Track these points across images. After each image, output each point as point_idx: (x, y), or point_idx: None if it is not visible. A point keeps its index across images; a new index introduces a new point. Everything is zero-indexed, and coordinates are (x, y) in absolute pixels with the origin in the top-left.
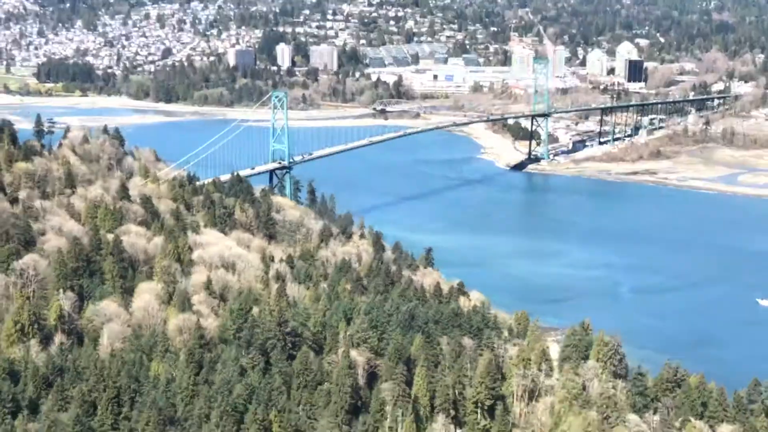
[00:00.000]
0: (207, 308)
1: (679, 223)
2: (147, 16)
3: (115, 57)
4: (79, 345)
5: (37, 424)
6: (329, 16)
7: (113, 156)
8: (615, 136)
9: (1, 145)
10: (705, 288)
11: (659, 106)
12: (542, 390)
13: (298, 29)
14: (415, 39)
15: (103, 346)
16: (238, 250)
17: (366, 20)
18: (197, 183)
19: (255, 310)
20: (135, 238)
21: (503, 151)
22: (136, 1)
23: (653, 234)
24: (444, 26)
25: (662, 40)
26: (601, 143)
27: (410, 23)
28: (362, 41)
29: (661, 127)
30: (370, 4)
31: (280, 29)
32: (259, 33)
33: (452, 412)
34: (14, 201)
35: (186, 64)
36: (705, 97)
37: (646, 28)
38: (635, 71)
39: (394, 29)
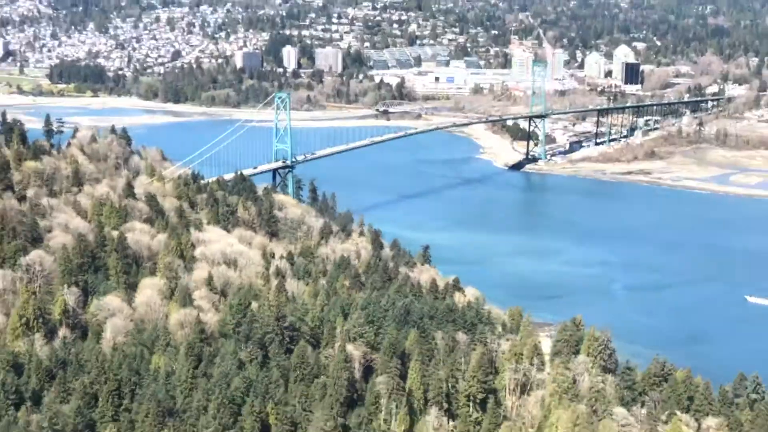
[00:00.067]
0: (208, 303)
1: (672, 222)
2: (157, 19)
3: (126, 59)
4: (82, 339)
5: (40, 416)
6: (334, 20)
7: (120, 155)
8: (611, 137)
9: (11, 144)
10: (696, 285)
11: (654, 107)
12: (534, 384)
13: (304, 32)
14: (418, 42)
15: (106, 340)
16: (240, 247)
17: (370, 24)
18: (202, 181)
19: (254, 305)
20: (139, 235)
21: (502, 152)
22: (147, 4)
23: (647, 232)
24: (446, 29)
25: (659, 43)
26: (597, 144)
27: (413, 26)
28: (366, 44)
29: (656, 128)
30: (374, 8)
31: (287, 32)
32: (266, 36)
33: (445, 405)
34: (22, 199)
35: (194, 65)
36: (699, 99)
37: (644, 31)
38: (632, 74)
39: (398, 32)
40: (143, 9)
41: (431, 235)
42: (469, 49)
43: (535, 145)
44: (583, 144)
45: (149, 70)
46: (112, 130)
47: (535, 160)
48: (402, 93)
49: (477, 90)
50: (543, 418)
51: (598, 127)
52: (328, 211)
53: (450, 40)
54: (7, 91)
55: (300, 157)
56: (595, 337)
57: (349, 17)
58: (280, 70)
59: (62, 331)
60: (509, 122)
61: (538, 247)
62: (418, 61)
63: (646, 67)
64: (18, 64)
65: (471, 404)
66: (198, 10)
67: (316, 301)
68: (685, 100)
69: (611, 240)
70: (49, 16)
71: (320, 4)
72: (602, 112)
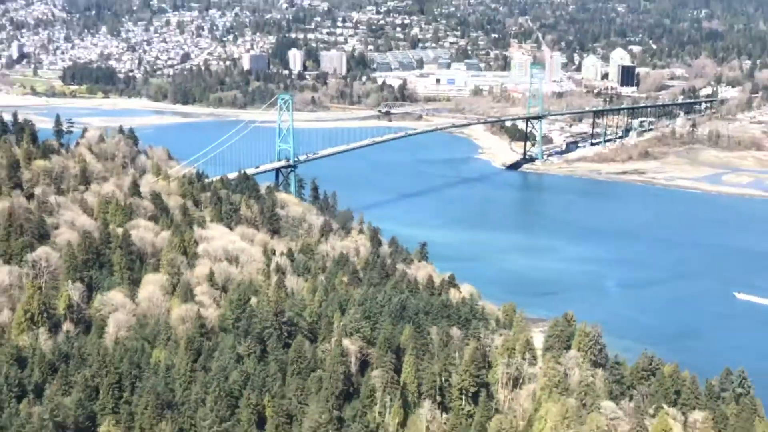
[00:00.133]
0: (209, 299)
1: (665, 220)
2: (168, 23)
3: (137, 61)
4: (86, 333)
5: (41, 408)
6: (339, 23)
7: (127, 154)
8: (606, 138)
9: (21, 143)
10: (687, 282)
11: (649, 109)
12: (525, 378)
13: (310, 35)
14: (420, 45)
15: (108, 335)
16: (242, 243)
17: (374, 27)
18: (206, 180)
19: (254, 300)
20: (144, 232)
21: (500, 152)
22: (157, 8)
23: (640, 231)
24: (447, 33)
25: (654, 46)
26: (593, 144)
27: (415, 30)
28: (370, 47)
29: (650, 130)
30: (377, 12)
31: (293, 35)
32: (272, 39)
33: (438, 399)
34: (30, 196)
35: (203, 68)
36: (693, 101)
37: (640, 35)
38: (628, 76)
39: (401, 36)
40: (154, 13)
41: (429, 233)
42: (469, 52)
43: (533, 145)
44: (579, 144)
45: (159, 72)
46: (120, 131)
47: (532, 160)
48: (404, 94)
49: (477, 92)
50: (533, 412)
51: (594, 128)
52: (328, 210)
53: (451, 43)
54: (21, 92)
55: (302, 157)
56: (585, 332)
57: (354, 21)
58: (286, 72)
59: (66, 326)
60: (507, 123)
61: (534, 244)
62: (420, 63)
63: (641, 70)
64: (32, 66)
65: (464, 397)
66: (207, 13)
67: (314, 296)
68: (679, 102)
69: (605, 238)
70: (63, 20)
71: (325, 9)
72: (598, 114)
